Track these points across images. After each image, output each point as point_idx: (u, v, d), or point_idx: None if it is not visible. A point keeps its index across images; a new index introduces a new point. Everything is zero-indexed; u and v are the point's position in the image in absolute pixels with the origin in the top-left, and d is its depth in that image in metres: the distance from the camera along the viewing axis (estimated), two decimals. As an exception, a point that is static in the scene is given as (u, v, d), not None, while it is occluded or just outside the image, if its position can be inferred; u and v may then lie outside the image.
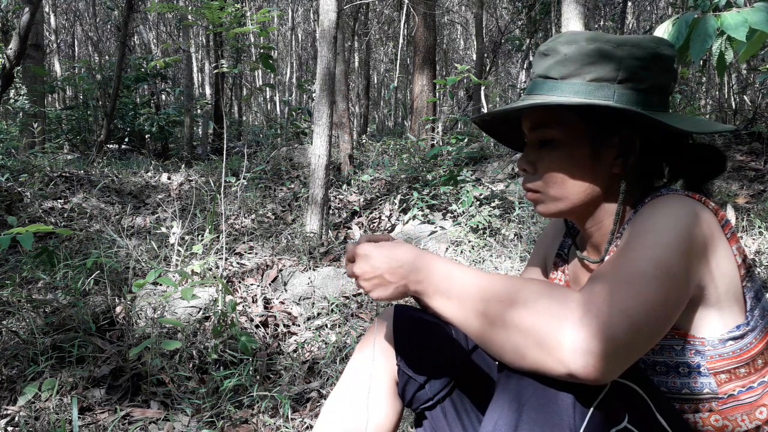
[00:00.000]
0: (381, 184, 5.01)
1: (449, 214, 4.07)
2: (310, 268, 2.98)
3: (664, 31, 1.72)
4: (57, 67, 15.50)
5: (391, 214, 4.24)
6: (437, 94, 7.65)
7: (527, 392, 0.72)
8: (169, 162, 7.23)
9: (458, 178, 4.21)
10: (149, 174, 5.79)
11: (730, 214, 3.27)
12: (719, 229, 0.79)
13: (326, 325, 2.44)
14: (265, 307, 2.62)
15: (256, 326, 2.38)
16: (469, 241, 3.40)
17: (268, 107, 18.46)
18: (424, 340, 1.06)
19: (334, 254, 3.33)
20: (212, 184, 4.54)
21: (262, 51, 3.56)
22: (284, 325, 2.45)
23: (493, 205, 3.80)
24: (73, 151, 8.47)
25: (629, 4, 12.00)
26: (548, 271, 1.10)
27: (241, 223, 3.98)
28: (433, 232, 3.68)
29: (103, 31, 17.37)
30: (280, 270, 2.97)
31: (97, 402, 1.77)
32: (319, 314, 2.58)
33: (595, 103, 0.83)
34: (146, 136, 9.52)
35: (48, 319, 2.16)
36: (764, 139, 4.53)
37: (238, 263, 3.09)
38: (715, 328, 0.79)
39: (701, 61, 5.51)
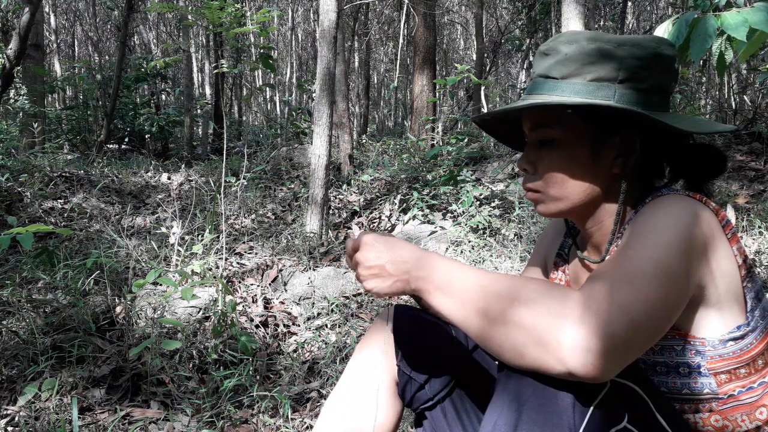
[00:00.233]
0: (381, 184, 5.01)
1: (449, 214, 4.07)
2: (310, 268, 2.98)
3: (664, 31, 1.72)
4: (57, 67, 15.50)
5: (391, 214, 4.24)
6: (437, 94, 7.65)
7: (527, 392, 0.72)
8: (169, 162, 7.23)
9: (458, 178, 4.21)
10: (149, 174, 5.79)
11: (730, 214, 3.27)
12: (720, 229, 0.79)
13: (326, 325, 2.44)
14: (265, 307, 2.62)
15: (256, 326, 2.38)
16: (469, 241, 3.40)
17: (268, 107, 18.46)
18: (424, 340, 1.06)
19: (334, 254, 3.33)
20: (212, 184, 4.54)
21: (262, 51, 3.56)
22: (284, 325, 2.45)
23: (493, 205, 3.80)
24: (73, 151, 8.47)
25: (629, 4, 12.00)
26: (548, 271, 1.10)
27: (241, 223, 3.98)
28: (433, 232, 3.68)
29: (103, 31, 17.37)
30: (280, 270, 2.97)
31: (97, 402, 1.77)
32: (319, 314, 2.58)
33: (595, 103, 0.83)
34: (146, 136, 9.52)
35: (48, 319, 2.16)
36: (764, 139, 4.54)
37: (238, 263, 3.09)
38: (715, 328, 0.79)
39: (701, 61, 5.51)
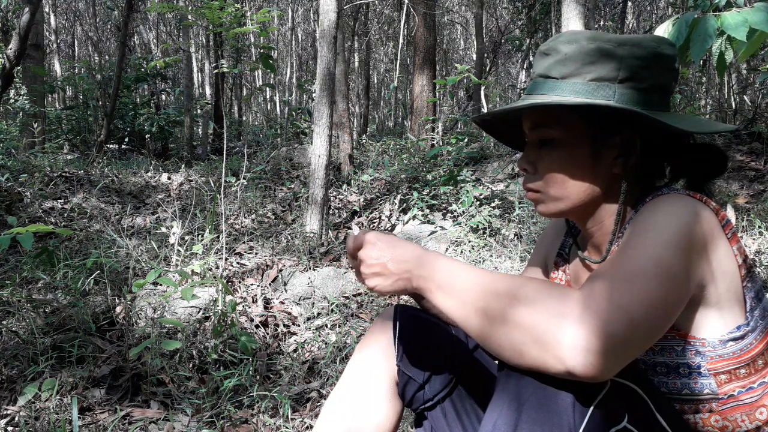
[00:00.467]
0: (381, 184, 5.01)
1: (449, 214, 4.07)
2: (310, 268, 2.98)
3: (664, 31, 1.72)
4: (57, 67, 15.50)
5: (391, 214, 4.24)
6: (437, 94, 7.64)
7: (527, 391, 0.72)
8: (169, 162, 7.23)
9: (458, 178, 4.21)
10: (149, 174, 5.79)
11: (730, 214, 3.27)
12: (720, 229, 0.79)
13: (326, 325, 2.44)
14: (265, 307, 2.62)
15: (256, 326, 2.38)
16: (469, 241, 3.40)
17: (268, 107, 18.46)
18: (424, 340, 1.06)
19: (334, 254, 3.33)
20: (212, 184, 4.54)
21: (262, 51, 3.56)
22: (284, 325, 2.45)
23: (493, 205, 3.80)
24: (73, 151, 8.47)
25: (629, 4, 12.00)
26: (549, 271, 1.10)
27: (241, 223, 3.98)
28: (433, 232, 3.68)
29: (103, 31, 17.36)
30: (280, 270, 2.97)
31: (97, 402, 1.77)
32: (319, 314, 2.58)
33: (595, 103, 0.83)
34: (146, 136, 9.52)
35: (48, 319, 2.16)
36: (764, 139, 4.54)
37: (238, 263, 3.09)
38: (715, 328, 0.79)
39: (701, 61, 5.51)
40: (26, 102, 7.68)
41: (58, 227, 3.37)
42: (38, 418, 1.64)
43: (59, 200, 4.20)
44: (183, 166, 6.34)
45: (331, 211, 4.39)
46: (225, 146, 3.26)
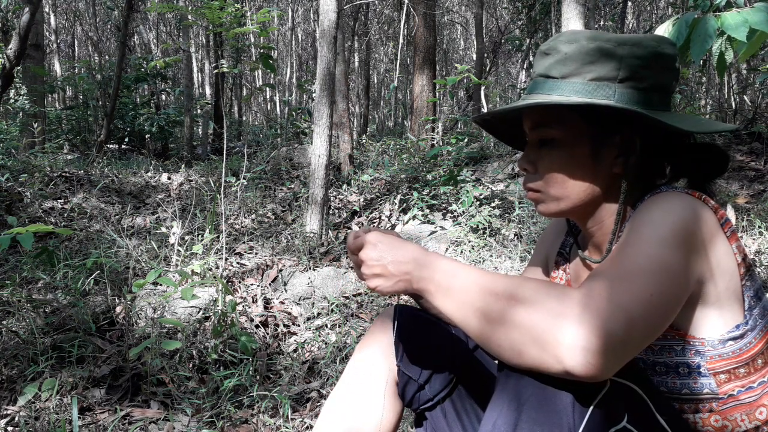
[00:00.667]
0: (381, 184, 5.01)
1: (449, 214, 4.07)
2: (310, 268, 2.98)
3: (664, 31, 1.72)
4: (57, 67, 15.50)
5: (391, 214, 4.24)
6: (437, 94, 7.64)
7: (527, 391, 0.72)
8: (169, 162, 7.23)
9: (458, 178, 4.21)
10: (149, 174, 5.79)
11: (730, 213, 3.27)
12: (718, 227, 0.79)
13: (326, 325, 2.44)
14: (265, 307, 2.62)
15: (256, 326, 2.38)
16: (469, 241, 3.40)
17: (268, 107, 18.46)
18: (424, 341, 1.06)
19: (334, 254, 3.33)
20: (212, 184, 4.54)
21: (262, 51, 3.56)
22: (284, 325, 2.45)
23: (493, 205, 3.80)
24: (73, 151, 8.47)
25: (629, 4, 12.00)
26: (549, 270, 1.10)
27: (241, 223, 3.98)
28: (433, 232, 3.68)
29: (103, 31, 17.36)
30: (280, 270, 2.97)
31: (97, 402, 1.77)
32: (319, 314, 2.58)
33: (595, 103, 0.83)
34: (146, 136, 9.52)
35: (48, 319, 2.16)
36: (764, 139, 4.54)
37: (238, 263, 3.09)
38: (714, 327, 0.79)
39: (701, 61, 5.51)
40: (26, 102, 7.68)
41: (58, 227, 3.37)
42: (38, 418, 1.64)
43: (59, 200, 4.20)
44: (183, 166, 6.34)
45: (331, 211, 4.39)
46: (225, 146, 3.26)
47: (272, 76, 16.70)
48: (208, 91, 14.80)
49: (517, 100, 0.90)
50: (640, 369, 0.83)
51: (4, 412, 1.69)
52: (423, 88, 6.83)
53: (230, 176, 4.78)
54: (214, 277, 2.49)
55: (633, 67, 0.84)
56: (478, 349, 1.09)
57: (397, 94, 16.30)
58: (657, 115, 0.82)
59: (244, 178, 4.13)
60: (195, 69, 15.22)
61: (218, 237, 3.18)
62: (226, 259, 3.02)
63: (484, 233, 3.51)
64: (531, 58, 11.25)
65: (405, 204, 4.26)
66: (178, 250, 2.87)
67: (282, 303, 2.70)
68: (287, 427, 1.67)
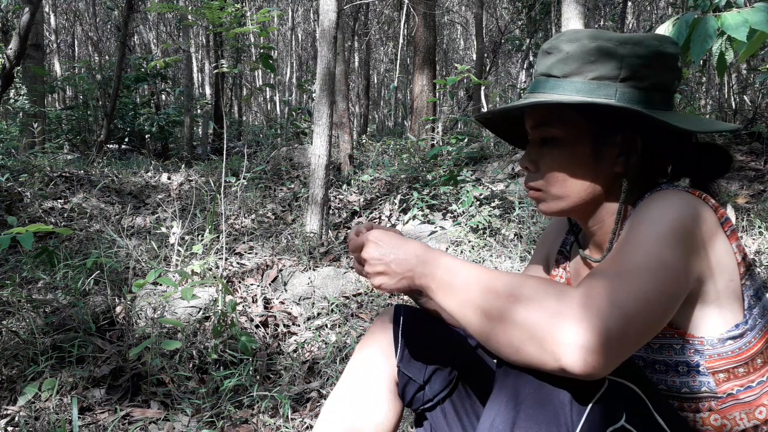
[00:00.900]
0: (381, 184, 5.01)
1: (449, 214, 4.07)
2: (310, 268, 2.98)
3: (664, 31, 1.72)
4: (57, 67, 15.50)
5: (391, 214, 4.24)
6: (437, 94, 7.64)
7: (525, 389, 0.73)
8: (169, 162, 7.23)
9: (458, 178, 4.21)
10: (149, 174, 5.79)
11: (730, 213, 3.27)
12: (718, 226, 0.79)
13: (326, 325, 2.44)
14: (265, 307, 2.62)
15: (256, 326, 2.38)
16: (469, 241, 3.40)
17: (268, 107, 18.46)
18: (424, 341, 1.06)
19: (334, 254, 3.33)
20: (212, 184, 4.54)
21: (262, 51, 3.56)
22: (284, 325, 2.45)
23: (493, 205, 3.80)
24: (73, 151, 8.46)
25: (629, 4, 12.00)
26: (550, 269, 1.10)
27: (241, 223, 3.98)
28: (433, 232, 3.68)
29: (103, 31, 17.36)
30: (280, 270, 2.97)
31: (97, 402, 1.77)
32: (319, 314, 2.58)
33: (595, 102, 0.83)
34: (146, 136, 9.52)
35: (48, 319, 2.16)
36: (764, 139, 4.54)
37: (238, 263, 3.09)
38: (714, 326, 0.79)
39: (701, 61, 5.52)
40: (26, 102, 7.68)
41: (58, 227, 3.37)
42: (38, 418, 1.64)
43: (59, 200, 4.20)
44: (183, 166, 6.34)
45: (331, 211, 4.39)
46: (225, 146, 3.26)
47: (272, 76, 16.70)
48: (208, 91, 14.81)
49: (520, 99, 0.90)
50: (639, 368, 0.83)
51: (4, 412, 1.69)
52: (423, 88, 6.83)
53: (230, 176, 4.78)
54: (214, 277, 2.49)
55: (634, 67, 0.84)
56: (478, 349, 1.09)
57: (397, 94, 16.29)
58: (658, 114, 0.82)
59: (244, 178, 4.13)
60: (195, 69, 15.22)
61: (218, 237, 3.18)
62: (226, 259, 3.02)
63: (484, 233, 3.51)
64: (531, 58, 11.26)
65: (405, 204, 4.26)
66: (178, 250, 2.87)
67: (282, 303, 2.70)
68: (287, 427, 1.67)
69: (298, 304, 2.70)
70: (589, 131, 0.87)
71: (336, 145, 5.84)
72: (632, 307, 0.68)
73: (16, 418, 1.65)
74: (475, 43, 12.31)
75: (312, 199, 3.61)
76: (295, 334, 2.41)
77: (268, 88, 17.36)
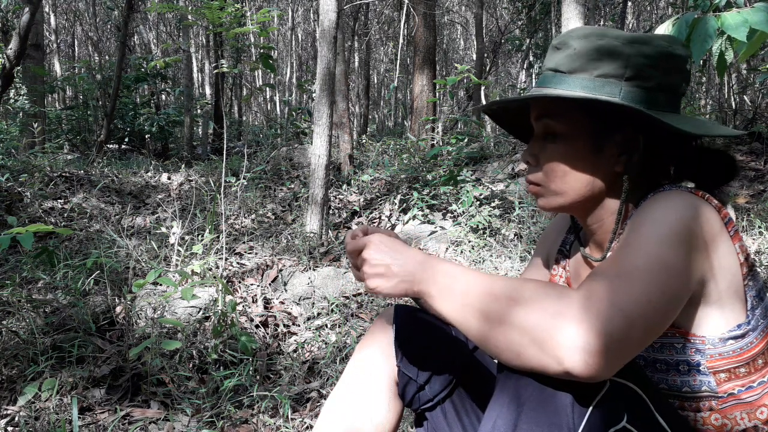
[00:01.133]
0: (381, 184, 5.01)
1: (449, 214, 4.07)
2: (310, 268, 2.98)
3: (664, 31, 1.72)
4: (57, 67, 15.50)
5: (391, 214, 4.24)
6: (437, 94, 7.65)
7: (526, 391, 0.72)
8: (169, 162, 7.23)
9: (458, 178, 4.21)
10: (149, 174, 5.79)
11: (731, 214, 3.27)
12: (721, 226, 0.79)
13: (326, 325, 2.44)
14: (265, 307, 2.62)
15: (256, 326, 2.38)
16: (469, 241, 3.40)
17: (268, 107, 18.46)
18: (424, 341, 1.06)
19: (334, 254, 3.33)
20: (212, 184, 4.54)
21: (262, 51, 3.56)
22: (284, 325, 2.45)
23: (493, 205, 3.80)
24: (73, 151, 8.46)
25: (629, 4, 12.00)
26: (550, 268, 1.10)
27: (241, 223, 3.98)
28: (433, 232, 3.68)
29: (103, 31, 17.36)
30: (280, 270, 2.97)
31: (97, 402, 1.77)
32: (319, 314, 2.58)
33: (597, 98, 0.83)
34: (146, 136, 9.53)
35: (48, 319, 2.16)
36: (764, 139, 4.54)
37: (238, 263, 3.09)
38: (715, 326, 0.79)
39: (701, 61, 5.52)
40: (26, 102, 7.68)
41: (58, 227, 3.37)
42: (38, 418, 1.64)
43: (59, 200, 4.20)
44: (183, 166, 6.35)
45: (331, 211, 4.39)
46: (225, 146, 3.26)
47: (272, 76, 16.69)
48: (208, 91, 14.81)
49: (525, 93, 0.90)
50: (640, 368, 0.83)
51: (4, 412, 1.69)
52: (423, 88, 6.83)
53: (230, 176, 4.78)
54: (214, 277, 2.49)
55: (640, 66, 0.84)
56: (479, 349, 1.09)
57: (397, 94, 16.30)
58: (660, 115, 0.82)
59: (244, 178, 4.13)
60: (195, 69, 15.22)
61: (218, 237, 3.18)
62: (226, 259, 3.02)
63: (484, 233, 3.51)
64: (531, 58, 11.26)
65: (405, 204, 4.26)
66: (178, 250, 2.87)
67: (282, 303, 2.70)
68: (287, 427, 1.67)
69: (298, 304, 2.70)
70: (589, 127, 0.88)
71: (336, 145, 5.84)
72: (633, 309, 0.68)
73: (16, 418, 1.65)
74: (475, 43, 12.31)
75: (312, 199, 3.61)
76: (295, 334, 2.41)
77: (268, 88, 17.36)
